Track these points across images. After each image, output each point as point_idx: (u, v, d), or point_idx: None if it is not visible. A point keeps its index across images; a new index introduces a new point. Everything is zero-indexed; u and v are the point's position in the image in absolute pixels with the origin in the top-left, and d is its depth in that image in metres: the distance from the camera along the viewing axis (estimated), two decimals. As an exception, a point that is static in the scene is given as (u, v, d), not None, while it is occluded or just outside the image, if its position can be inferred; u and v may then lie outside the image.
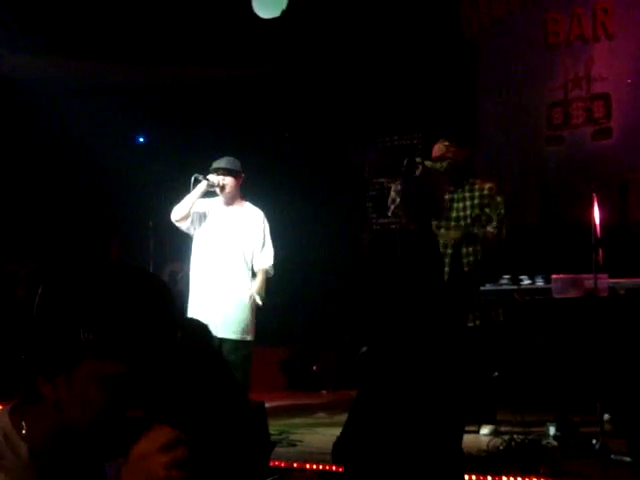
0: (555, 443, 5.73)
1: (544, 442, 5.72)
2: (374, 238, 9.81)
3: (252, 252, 6.86)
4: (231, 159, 6.92)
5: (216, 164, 6.84)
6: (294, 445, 6.06)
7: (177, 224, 6.81)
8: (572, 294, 5.60)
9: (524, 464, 5.21)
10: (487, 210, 6.40)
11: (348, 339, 9.17)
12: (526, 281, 5.88)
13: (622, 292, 5.65)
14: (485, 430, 6.35)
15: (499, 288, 6.01)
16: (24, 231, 9.48)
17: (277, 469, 5.04)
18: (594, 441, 5.51)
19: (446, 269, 6.25)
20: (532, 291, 5.80)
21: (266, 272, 6.90)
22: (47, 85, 9.24)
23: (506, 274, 6.07)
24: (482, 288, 6.13)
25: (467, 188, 6.52)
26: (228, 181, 6.82)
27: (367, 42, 9.43)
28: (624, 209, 7.91)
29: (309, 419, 7.30)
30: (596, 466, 5.31)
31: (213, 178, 6.78)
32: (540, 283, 5.83)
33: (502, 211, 6.43)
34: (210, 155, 10.00)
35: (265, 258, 6.92)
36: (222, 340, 6.58)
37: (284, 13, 7.80)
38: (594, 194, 5.70)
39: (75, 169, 9.84)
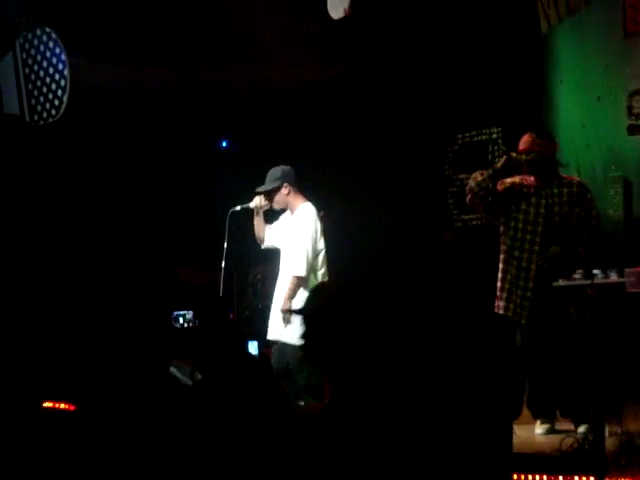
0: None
1: (637, 442, 5.58)
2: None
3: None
4: (270, 173, 7.06)
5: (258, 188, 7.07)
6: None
7: (262, 245, 7.31)
8: (646, 288, 5.47)
9: (598, 464, 5.10)
10: (577, 209, 6.28)
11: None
12: (600, 275, 5.73)
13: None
14: (582, 429, 6.25)
15: (572, 284, 5.88)
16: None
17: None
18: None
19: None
20: (605, 286, 5.66)
21: (297, 279, 6.85)
22: (126, 93, 9.39)
23: (579, 269, 5.93)
24: (555, 284, 6.02)
25: (555, 184, 6.39)
26: (273, 199, 7.08)
27: (443, 38, 9.34)
28: None
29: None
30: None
31: (255, 202, 7.13)
32: (614, 277, 5.69)
33: (594, 212, 6.31)
34: (294, 157, 10.11)
35: (292, 264, 6.91)
36: (284, 345, 6.78)
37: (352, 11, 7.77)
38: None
39: (157, 175, 9.98)
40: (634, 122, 8.33)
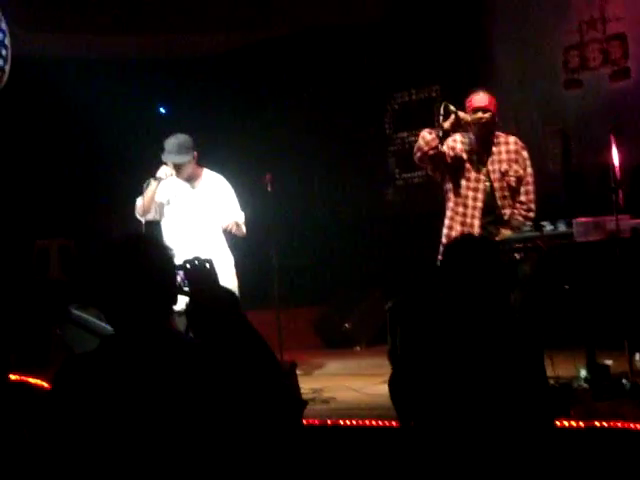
0: (586, 386, 5.78)
1: (575, 385, 5.79)
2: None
3: (228, 216, 6.76)
4: (181, 144, 6.64)
5: (167, 157, 6.63)
6: (327, 402, 6.16)
7: (142, 219, 6.72)
8: (594, 237, 5.62)
9: (555, 407, 5.26)
10: (515, 166, 6.37)
11: (379, 295, 9.21)
12: (548, 227, 5.87)
13: (645, 232, 5.65)
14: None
15: (522, 236, 6.00)
16: (48, 208, 9.63)
17: (311, 427, 5.14)
18: (624, 381, 5.56)
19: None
20: (555, 237, 5.81)
21: (237, 225, 6.72)
22: (64, 61, 9.29)
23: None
24: (505, 237, 6.11)
25: (495, 142, 6.46)
26: (183, 170, 6.66)
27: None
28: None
29: (342, 376, 7.39)
30: (628, 405, 5.36)
31: (164, 172, 6.60)
32: (562, 228, 5.83)
33: (530, 169, 6.41)
34: (231, 122, 10.11)
35: (236, 215, 6.79)
36: None
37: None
38: (612, 135, 5.71)
39: (97, 143, 9.92)
40: (570, 76, 8.51)
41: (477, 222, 6.38)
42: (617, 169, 5.70)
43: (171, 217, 6.76)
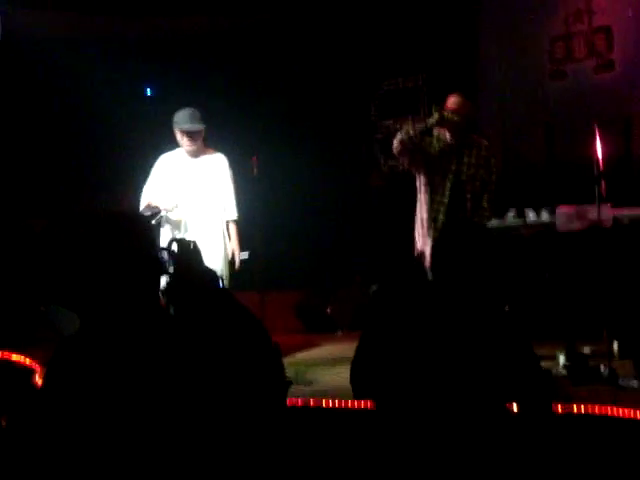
0: (565, 372, 5.88)
1: (554, 371, 5.88)
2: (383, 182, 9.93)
3: (223, 200, 6.84)
4: (193, 114, 6.70)
5: (181, 126, 6.67)
6: (310, 384, 6.21)
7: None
8: (577, 226, 5.70)
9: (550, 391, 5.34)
10: (481, 171, 6.46)
11: (360, 279, 9.27)
12: (531, 215, 5.95)
13: (626, 222, 5.75)
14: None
15: (505, 224, 6.08)
16: (36, 187, 9.62)
17: (294, 407, 5.19)
18: (602, 368, 5.66)
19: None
20: (538, 225, 5.89)
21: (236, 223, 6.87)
22: (52, 40, 9.27)
23: (512, 209, 6.14)
24: (489, 224, 6.20)
25: (467, 144, 6.54)
26: (195, 139, 6.70)
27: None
28: (628, 141, 7.96)
29: (324, 359, 7.44)
30: (605, 391, 5.45)
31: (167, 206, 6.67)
32: (545, 217, 5.91)
33: (494, 177, 6.49)
34: (216, 105, 10.10)
35: (234, 208, 6.89)
36: None
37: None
38: (596, 127, 5.78)
39: (84, 123, 9.90)
40: (555, 67, 8.58)
41: (441, 217, 6.46)
42: (600, 160, 5.77)
43: (171, 191, 6.75)
